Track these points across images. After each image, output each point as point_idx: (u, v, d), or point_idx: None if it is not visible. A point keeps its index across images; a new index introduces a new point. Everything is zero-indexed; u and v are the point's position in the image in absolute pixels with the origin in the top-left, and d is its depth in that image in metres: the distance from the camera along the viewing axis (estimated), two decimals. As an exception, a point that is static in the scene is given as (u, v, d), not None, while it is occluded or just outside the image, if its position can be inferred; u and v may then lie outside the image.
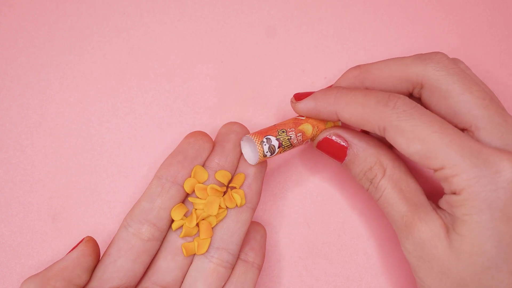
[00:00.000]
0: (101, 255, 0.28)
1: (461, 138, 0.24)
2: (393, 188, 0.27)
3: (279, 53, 0.35)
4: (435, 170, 0.25)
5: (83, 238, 0.28)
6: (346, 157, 0.29)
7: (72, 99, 0.34)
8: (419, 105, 0.26)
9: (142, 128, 0.34)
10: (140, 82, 0.35)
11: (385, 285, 0.33)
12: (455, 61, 0.27)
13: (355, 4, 0.36)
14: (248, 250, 0.30)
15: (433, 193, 0.27)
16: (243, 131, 0.30)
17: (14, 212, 0.33)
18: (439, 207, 0.27)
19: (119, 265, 0.28)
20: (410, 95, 0.29)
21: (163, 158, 0.33)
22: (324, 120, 0.29)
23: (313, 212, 0.33)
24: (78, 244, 0.27)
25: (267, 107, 0.34)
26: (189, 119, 0.34)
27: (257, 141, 0.28)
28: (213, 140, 0.30)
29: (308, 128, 0.29)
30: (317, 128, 0.29)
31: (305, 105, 0.29)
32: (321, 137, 0.29)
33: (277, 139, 0.28)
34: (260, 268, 0.30)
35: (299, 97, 0.29)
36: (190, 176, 0.29)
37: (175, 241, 0.29)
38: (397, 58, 0.28)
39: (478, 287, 0.25)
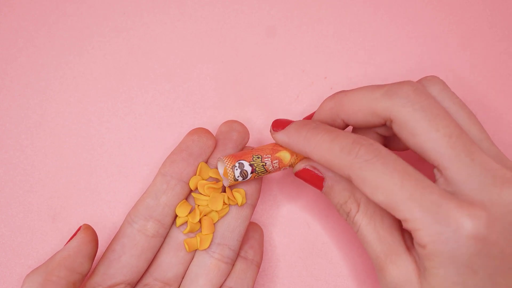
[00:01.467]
0: (99, 245, 0.28)
1: (421, 190, 0.24)
2: (367, 224, 0.27)
3: (279, 53, 0.35)
4: (401, 221, 0.25)
5: (80, 226, 0.28)
6: (323, 188, 0.29)
7: (72, 99, 0.34)
8: (383, 151, 0.26)
9: (142, 128, 0.34)
10: (140, 82, 0.35)
11: (385, 285, 0.33)
12: (424, 91, 0.27)
13: (355, 4, 0.36)
14: (248, 248, 0.30)
15: None
16: (244, 130, 0.30)
17: (14, 212, 0.33)
18: (413, 245, 0.26)
19: (124, 261, 0.28)
20: (384, 126, 0.29)
21: (163, 158, 0.33)
22: None
23: (313, 212, 0.33)
24: (76, 232, 0.27)
25: (267, 107, 0.34)
26: (189, 119, 0.34)
27: (228, 165, 0.28)
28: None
29: (285, 156, 0.29)
30: (296, 156, 0.29)
31: (279, 137, 0.29)
32: (299, 167, 0.29)
33: (250, 165, 0.28)
34: (259, 266, 0.30)
35: (276, 125, 0.29)
36: (195, 174, 0.29)
37: (177, 237, 0.29)
38: (369, 89, 0.28)
39: None
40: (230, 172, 0.28)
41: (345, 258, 0.33)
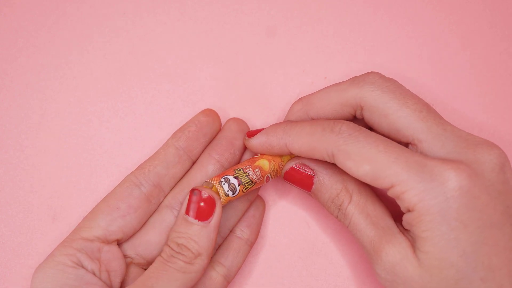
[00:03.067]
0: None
1: (405, 153, 0.25)
2: (360, 213, 0.28)
3: (279, 53, 0.35)
4: (387, 189, 0.25)
5: None
6: (313, 186, 0.29)
7: (72, 99, 0.34)
8: (363, 128, 0.27)
9: (142, 128, 0.34)
10: (140, 82, 0.35)
11: (385, 285, 0.33)
12: (389, 79, 0.28)
13: (355, 4, 0.36)
14: (245, 227, 0.31)
15: (400, 214, 0.27)
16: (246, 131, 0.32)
17: (14, 212, 0.33)
18: (405, 229, 0.27)
19: (127, 221, 0.28)
20: (354, 118, 0.29)
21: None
22: (279, 155, 0.30)
23: (313, 212, 0.33)
24: None
25: (267, 107, 0.34)
26: (189, 119, 0.34)
27: (215, 183, 0.28)
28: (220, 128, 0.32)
29: (264, 163, 0.29)
30: (274, 161, 0.30)
31: (257, 140, 0.30)
32: (287, 167, 0.30)
33: (235, 177, 0.29)
34: (251, 245, 0.31)
35: (251, 134, 0.30)
36: (201, 152, 0.31)
37: (165, 217, 0.30)
38: (335, 85, 0.29)
39: None
40: (219, 189, 0.28)
41: (345, 258, 0.33)
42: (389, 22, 0.36)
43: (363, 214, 0.27)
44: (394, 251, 0.26)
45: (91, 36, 0.35)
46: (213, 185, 0.28)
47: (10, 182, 0.33)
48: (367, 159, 0.25)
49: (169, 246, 0.27)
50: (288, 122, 0.29)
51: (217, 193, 0.28)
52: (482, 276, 0.24)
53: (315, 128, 0.27)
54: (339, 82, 0.29)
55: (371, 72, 0.28)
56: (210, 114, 0.32)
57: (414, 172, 0.24)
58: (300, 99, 0.31)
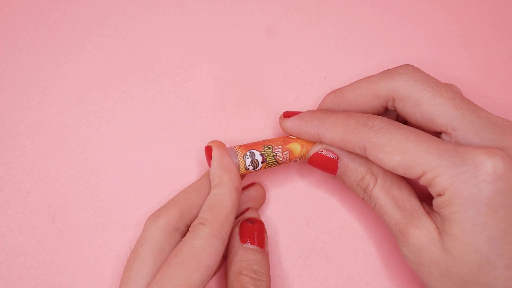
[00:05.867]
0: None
1: (436, 142, 0.25)
2: (386, 195, 0.28)
3: (279, 53, 0.35)
4: (419, 178, 0.26)
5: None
6: (338, 170, 0.29)
7: (72, 99, 0.34)
8: (395, 121, 0.27)
9: (142, 128, 0.34)
10: (140, 82, 0.35)
11: (385, 285, 0.33)
12: (421, 70, 0.28)
13: (355, 4, 0.36)
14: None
15: (428, 195, 0.27)
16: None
17: (14, 212, 0.33)
18: (432, 210, 0.27)
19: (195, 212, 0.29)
20: (386, 110, 0.30)
21: (163, 158, 0.33)
22: (311, 142, 0.30)
23: (313, 212, 0.33)
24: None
25: (267, 107, 0.34)
26: (189, 119, 0.34)
27: (240, 154, 0.29)
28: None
29: (296, 147, 0.30)
30: (306, 148, 0.30)
31: (291, 123, 0.30)
32: (311, 152, 0.30)
33: (261, 154, 0.29)
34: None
35: (287, 115, 0.31)
36: None
37: None
38: (366, 77, 0.30)
39: (476, 286, 0.25)
40: (241, 161, 0.29)
41: (345, 258, 0.33)
42: (389, 22, 0.36)
43: (388, 197, 0.28)
44: (420, 235, 0.26)
45: (91, 36, 0.35)
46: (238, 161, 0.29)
47: (10, 182, 0.33)
48: (398, 149, 0.25)
49: (247, 275, 0.28)
50: (324, 111, 0.30)
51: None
52: (507, 264, 0.24)
53: (348, 120, 0.28)
54: (371, 75, 0.29)
55: (404, 64, 0.28)
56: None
57: (446, 158, 0.24)
58: (333, 91, 0.31)
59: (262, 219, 0.33)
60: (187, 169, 0.34)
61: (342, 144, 0.28)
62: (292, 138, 0.30)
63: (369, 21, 0.36)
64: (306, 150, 0.30)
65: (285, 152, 0.30)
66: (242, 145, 0.29)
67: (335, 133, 0.28)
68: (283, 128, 0.31)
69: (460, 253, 0.25)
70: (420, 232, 0.26)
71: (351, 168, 0.29)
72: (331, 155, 0.29)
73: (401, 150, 0.25)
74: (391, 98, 0.28)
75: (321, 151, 0.30)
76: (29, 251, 0.32)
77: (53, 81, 0.34)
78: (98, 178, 0.33)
